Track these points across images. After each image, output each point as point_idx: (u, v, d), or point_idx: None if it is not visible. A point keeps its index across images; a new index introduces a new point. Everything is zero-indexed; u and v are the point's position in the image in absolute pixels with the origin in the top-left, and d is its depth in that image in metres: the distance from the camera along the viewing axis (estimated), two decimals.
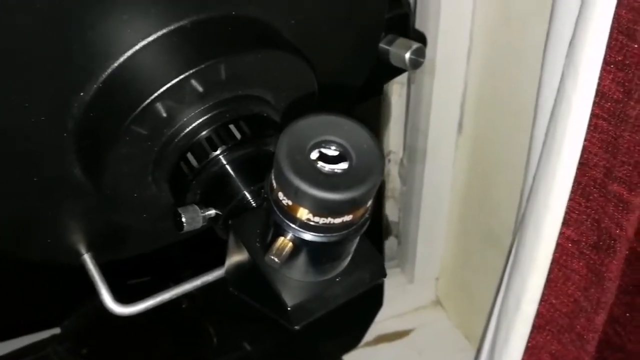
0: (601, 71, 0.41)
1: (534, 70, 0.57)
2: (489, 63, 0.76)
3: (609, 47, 0.40)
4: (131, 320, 0.63)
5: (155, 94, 0.38)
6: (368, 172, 0.31)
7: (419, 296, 1.01)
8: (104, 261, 0.50)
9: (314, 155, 0.31)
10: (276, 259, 0.32)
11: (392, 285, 0.96)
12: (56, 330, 0.73)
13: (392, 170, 0.96)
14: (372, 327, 0.91)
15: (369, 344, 0.94)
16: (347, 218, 0.31)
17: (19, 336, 0.72)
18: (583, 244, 0.46)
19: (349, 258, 0.36)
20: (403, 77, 0.86)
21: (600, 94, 0.41)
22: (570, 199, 0.45)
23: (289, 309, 0.35)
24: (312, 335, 0.77)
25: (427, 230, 0.95)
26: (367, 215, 0.33)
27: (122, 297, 0.49)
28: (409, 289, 1.01)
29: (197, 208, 0.40)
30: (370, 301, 0.87)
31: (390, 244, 1.02)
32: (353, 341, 0.90)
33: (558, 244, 0.47)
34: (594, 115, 0.42)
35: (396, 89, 0.88)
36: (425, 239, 0.96)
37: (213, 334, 0.73)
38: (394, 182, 0.97)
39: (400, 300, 0.99)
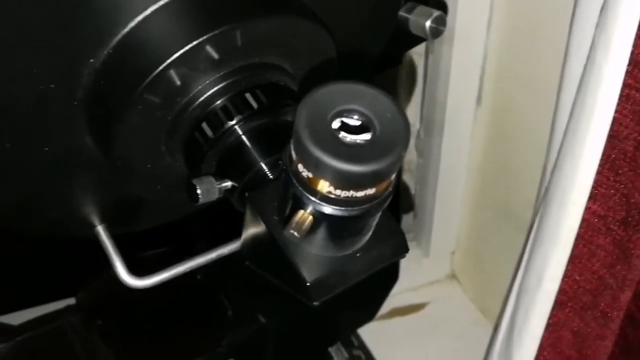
0: (635, 39, 0.39)
1: (558, 41, 0.55)
2: (510, 32, 0.74)
3: None
4: (145, 291, 0.63)
5: (168, 61, 0.36)
6: (392, 143, 0.29)
7: (434, 270, 1.01)
8: (118, 233, 0.50)
9: (336, 124, 0.30)
10: (296, 233, 0.31)
11: (408, 259, 0.94)
12: (71, 301, 0.73)
13: (409, 142, 0.94)
14: (387, 300, 0.90)
15: (383, 317, 0.94)
16: (370, 191, 0.30)
17: (34, 306, 0.72)
18: (610, 219, 0.44)
19: (370, 233, 0.34)
20: (421, 48, 0.84)
21: (634, 63, 0.39)
22: (598, 173, 0.44)
23: (308, 284, 0.34)
24: (328, 308, 0.77)
25: (443, 203, 0.93)
26: (390, 189, 0.32)
27: (136, 269, 0.49)
28: (425, 263, 1.00)
29: (213, 179, 0.39)
30: (385, 274, 0.86)
31: (406, 217, 1.01)
32: (368, 314, 0.89)
33: (583, 219, 0.46)
34: (626, 86, 0.40)
35: (414, 59, 0.86)
36: (441, 213, 0.95)
37: (228, 306, 0.72)
38: (410, 155, 0.95)
39: (416, 273, 0.99)
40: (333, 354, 0.87)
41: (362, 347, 0.89)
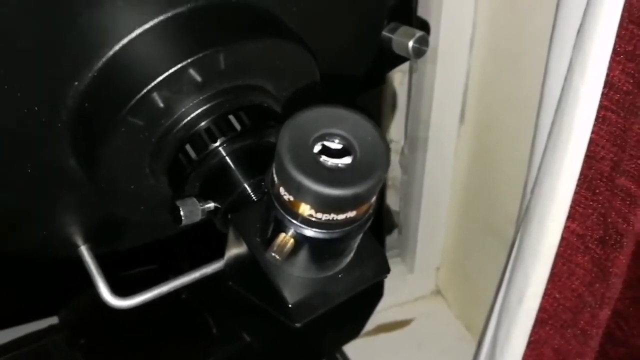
0: (610, 62, 0.40)
1: (539, 60, 0.56)
2: (492, 51, 0.75)
3: (619, 36, 0.39)
4: (130, 310, 0.62)
5: (152, 84, 0.36)
6: (373, 167, 0.30)
7: (419, 286, 1.01)
8: (101, 253, 0.50)
9: (317, 148, 0.30)
10: (277, 256, 0.31)
11: (393, 275, 0.95)
12: (54, 320, 0.72)
13: (393, 159, 0.95)
14: (372, 316, 0.90)
15: (369, 333, 0.94)
16: (351, 214, 0.30)
17: (17, 325, 0.72)
18: (588, 238, 0.45)
19: (351, 254, 0.35)
20: (405, 66, 0.85)
21: (609, 85, 0.40)
22: (576, 192, 0.45)
23: (290, 306, 0.34)
24: (313, 326, 0.77)
25: (427, 220, 0.94)
26: (371, 211, 0.32)
27: (120, 289, 0.49)
28: (409, 279, 1.00)
29: (196, 201, 0.39)
30: (370, 291, 0.86)
31: (390, 233, 1.01)
32: (353, 331, 0.89)
33: (563, 238, 0.46)
34: (602, 107, 0.41)
35: (398, 77, 0.87)
36: (426, 229, 0.95)
37: (212, 325, 0.72)
38: (394, 171, 0.96)
39: (401, 290, 0.99)
40: None
41: None
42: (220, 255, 0.46)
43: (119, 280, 0.50)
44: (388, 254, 1.01)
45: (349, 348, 0.90)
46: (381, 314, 0.94)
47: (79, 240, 0.49)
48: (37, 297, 0.73)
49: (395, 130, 0.92)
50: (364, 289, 0.38)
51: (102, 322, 0.72)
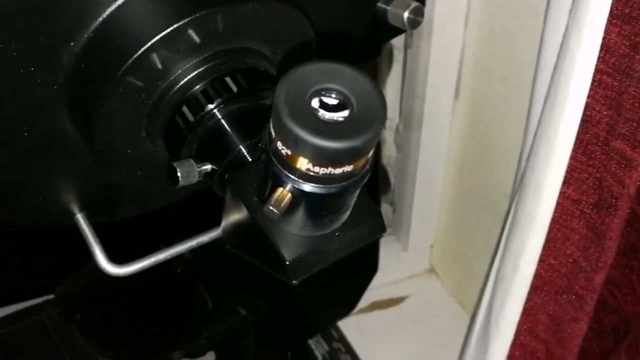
0: (607, 25, 0.40)
1: (534, 33, 0.56)
2: (487, 26, 0.75)
3: None
4: (125, 285, 0.63)
5: (149, 43, 0.36)
6: (370, 120, 0.30)
7: (413, 264, 1.01)
8: (98, 222, 0.49)
9: (314, 103, 0.30)
10: (275, 210, 0.31)
11: (387, 253, 0.96)
12: (50, 295, 0.72)
13: (388, 137, 0.95)
14: (367, 294, 0.91)
15: (363, 310, 0.94)
16: (348, 168, 0.31)
17: (12, 304, 0.72)
18: (584, 203, 0.45)
19: (348, 212, 0.35)
20: (400, 42, 0.85)
21: (606, 49, 0.40)
22: (572, 158, 0.45)
23: (287, 263, 0.34)
24: (308, 300, 0.77)
25: (422, 197, 0.94)
26: (368, 167, 0.32)
27: (116, 260, 0.49)
28: (404, 257, 1.01)
29: (193, 162, 0.39)
30: (365, 267, 0.87)
31: (385, 211, 1.01)
32: (348, 307, 0.90)
33: (558, 204, 0.47)
34: (598, 71, 0.41)
35: (393, 54, 0.87)
36: (420, 207, 0.95)
37: (208, 299, 0.73)
38: (389, 149, 0.96)
39: (395, 267, 0.99)
40: (313, 346, 0.87)
41: (342, 339, 0.90)
42: (215, 227, 0.47)
43: (115, 252, 0.50)
44: None
45: (344, 324, 0.91)
46: (376, 291, 0.94)
47: (75, 208, 0.48)
48: (33, 273, 0.73)
49: (390, 108, 0.92)
50: (360, 262, 0.38)
51: (98, 298, 0.72)
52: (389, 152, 0.97)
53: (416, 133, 0.87)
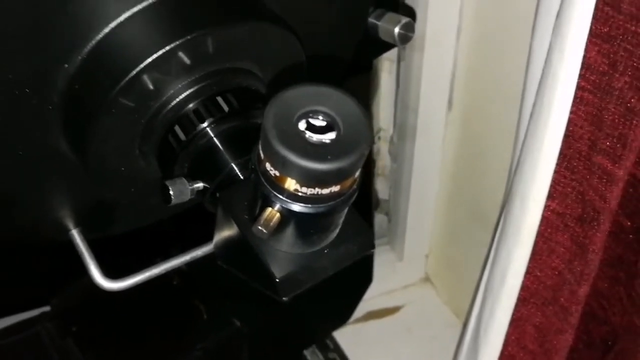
0: (587, 43, 0.41)
1: (524, 46, 0.57)
2: (478, 38, 0.76)
3: (595, 18, 0.40)
4: (121, 298, 0.63)
5: (142, 65, 0.37)
6: (356, 142, 0.31)
7: (408, 273, 1.02)
8: (92, 238, 0.50)
9: (302, 125, 0.31)
10: (264, 230, 0.32)
11: (382, 263, 0.97)
12: (46, 308, 0.73)
13: (382, 147, 0.96)
14: (362, 304, 0.91)
15: (358, 320, 0.95)
16: (335, 189, 0.31)
17: (8, 315, 0.72)
18: (568, 216, 0.46)
19: (337, 230, 0.36)
20: (393, 54, 0.85)
21: (586, 67, 0.41)
22: (556, 172, 0.46)
23: (277, 280, 0.35)
24: (303, 311, 0.78)
25: (416, 207, 0.95)
26: (355, 187, 0.33)
27: (111, 274, 0.49)
28: (399, 267, 1.01)
29: (185, 181, 0.40)
30: (359, 277, 0.87)
31: (380, 221, 1.02)
32: (343, 318, 0.91)
33: (543, 217, 0.48)
34: (579, 88, 0.42)
35: (386, 66, 0.88)
36: (414, 217, 0.96)
37: (203, 311, 0.73)
38: (384, 160, 0.97)
39: (390, 277, 1.00)
40: (309, 356, 0.88)
41: (338, 349, 0.90)
42: (209, 240, 0.47)
43: (110, 266, 0.50)
44: (377, 241, 1.02)
45: (339, 334, 0.91)
46: (371, 301, 0.95)
47: (70, 224, 0.49)
48: (28, 287, 0.73)
49: (384, 119, 0.93)
50: (353, 272, 0.39)
51: (94, 310, 0.72)
52: (384, 162, 0.97)
53: (410, 144, 0.88)
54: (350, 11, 0.53)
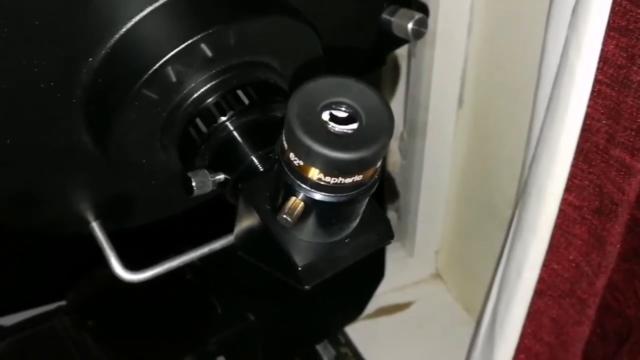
0: (604, 37, 0.41)
1: (536, 42, 0.57)
2: (490, 35, 0.76)
3: (613, 12, 0.41)
4: (136, 292, 0.64)
5: (164, 58, 0.38)
6: (378, 132, 0.31)
7: (419, 269, 1.02)
8: (112, 230, 0.51)
9: (325, 116, 0.31)
10: (288, 218, 0.32)
11: (393, 259, 0.97)
12: (62, 302, 0.74)
13: (392, 144, 0.96)
14: (373, 299, 0.92)
15: (369, 316, 0.95)
16: (357, 178, 0.32)
17: (25, 310, 0.73)
18: (585, 209, 0.46)
19: (357, 220, 0.36)
20: (403, 51, 0.86)
21: (604, 60, 0.42)
22: (573, 165, 0.46)
23: (299, 268, 0.35)
24: (316, 306, 0.79)
25: (427, 204, 0.95)
26: (376, 176, 0.33)
27: (127, 267, 0.50)
28: (409, 263, 1.02)
29: (207, 172, 0.40)
30: (371, 273, 0.88)
31: (390, 217, 1.02)
32: (354, 313, 0.91)
33: (560, 210, 0.48)
34: (597, 82, 0.42)
35: (397, 62, 0.88)
36: (425, 213, 0.96)
37: (217, 305, 0.74)
38: (394, 157, 0.97)
39: (401, 273, 1.00)
40: (321, 351, 0.88)
41: (349, 344, 0.90)
42: (225, 234, 0.48)
43: (127, 260, 0.51)
44: None
45: (351, 330, 0.92)
46: (382, 297, 0.95)
47: (90, 217, 0.50)
48: (47, 280, 0.74)
49: (395, 116, 0.92)
50: (367, 268, 0.39)
51: (110, 304, 0.73)
52: (394, 159, 0.98)
53: (420, 141, 0.88)
54: (365, 6, 0.53)
